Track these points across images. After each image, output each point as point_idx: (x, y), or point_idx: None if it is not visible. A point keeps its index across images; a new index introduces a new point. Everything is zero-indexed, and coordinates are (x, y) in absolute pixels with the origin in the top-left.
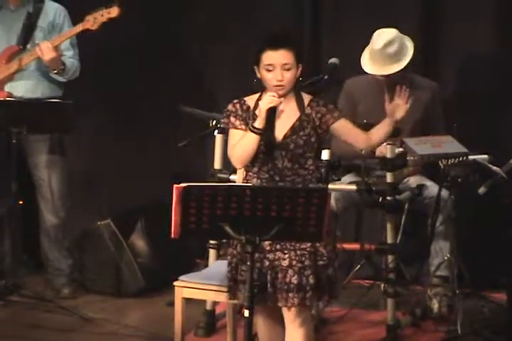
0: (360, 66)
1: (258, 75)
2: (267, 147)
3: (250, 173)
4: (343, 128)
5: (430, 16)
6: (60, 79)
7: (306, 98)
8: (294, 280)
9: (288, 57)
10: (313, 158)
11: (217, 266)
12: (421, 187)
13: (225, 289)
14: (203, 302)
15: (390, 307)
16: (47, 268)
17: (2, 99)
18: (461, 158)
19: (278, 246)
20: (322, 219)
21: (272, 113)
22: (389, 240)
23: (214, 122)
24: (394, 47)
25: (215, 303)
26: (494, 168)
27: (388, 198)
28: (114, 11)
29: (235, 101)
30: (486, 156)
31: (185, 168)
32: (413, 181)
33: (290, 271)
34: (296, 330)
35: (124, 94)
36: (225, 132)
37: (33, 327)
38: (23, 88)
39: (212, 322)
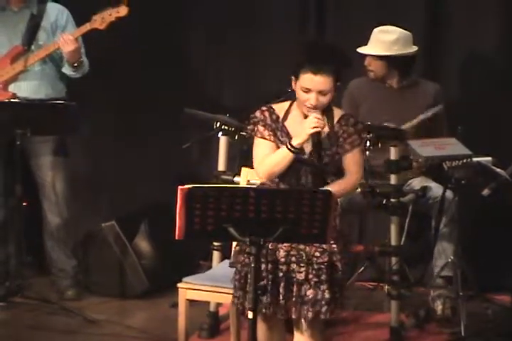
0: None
1: (293, 86)
2: (294, 163)
3: (268, 182)
4: (349, 157)
5: (434, 18)
6: (74, 74)
7: (337, 114)
8: (310, 293)
9: (327, 83)
10: (336, 174)
11: (221, 267)
12: (425, 189)
13: (229, 291)
14: (207, 303)
15: (394, 309)
16: (51, 269)
17: (6, 100)
18: (465, 160)
19: (293, 259)
20: (327, 220)
21: (316, 137)
22: (393, 242)
23: (218, 124)
24: (390, 36)
25: (218, 305)
26: (498, 170)
27: (392, 200)
28: (123, 10)
29: (264, 108)
30: (489, 158)
31: (189, 170)
32: (417, 183)
33: (306, 285)
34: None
35: (127, 95)
36: (229, 134)
37: (37, 329)
38: (26, 89)
39: (216, 323)
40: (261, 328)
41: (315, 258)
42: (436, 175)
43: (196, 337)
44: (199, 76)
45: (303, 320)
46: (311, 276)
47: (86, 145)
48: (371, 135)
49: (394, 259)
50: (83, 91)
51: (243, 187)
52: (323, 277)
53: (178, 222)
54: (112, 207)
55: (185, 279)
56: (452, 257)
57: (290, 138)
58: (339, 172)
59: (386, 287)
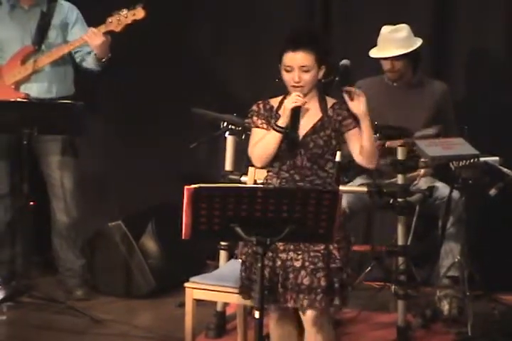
0: (372, 67)
1: (282, 74)
2: (288, 145)
3: (271, 173)
4: (353, 136)
5: (440, 17)
6: (95, 69)
7: (330, 101)
8: (306, 281)
9: (307, 59)
10: (333, 161)
11: (228, 267)
12: (432, 189)
13: (236, 290)
14: (214, 303)
15: (401, 309)
16: (58, 268)
17: (13, 99)
18: (472, 160)
19: (292, 247)
20: (333, 220)
21: (296, 112)
22: (400, 242)
23: (225, 124)
24: (401, 33)
25: (225, 305)
26: (505, 169)
27: (399, 200)
28: (139, 13)
29: (259, 102)
30: (497, 158)
31: (197, 170)
32: (424, 183)
33: (302, 272)
34: (314, 336)
35: (135, 95)
36: (236, 133)
37: (44, 329)
38: (37, 89)
39: (223, 323)
40: (271, 323)
41: (311, 246)
42: (443, 174)
43: (203, 336)
44: (206, 76)
45: (308, 314)
46: (307, 264)
47: (94, 145)
48: (378, 135)
49: (401, 259)
50: (92, 91)
51: (249, 186)
52: (320, 264)
53: (185, 221)
54: (119, 207)
55: (192, 279)
56: (459, 257)
57: None
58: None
59: (393, 287)
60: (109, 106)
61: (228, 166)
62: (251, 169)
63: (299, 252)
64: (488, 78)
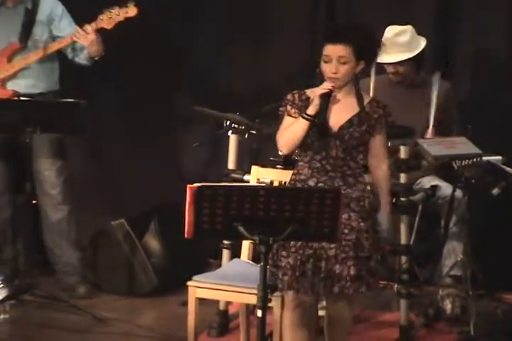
0: (376, 66)
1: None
2: (322, 135)
3: (301, 163)
4: (376, 140)
5: (444, 17)
6: (86, 64)
7: (367, 97)
8: (337, 269)
9: (345, 51)
10: (365, 154)
11: (230, 266)
12: (435, 188)
13: (239, 289)
14: (216, 302)
15: (403, 308)
16: (55, 267)
17: (16, 98)
18: (474, 159)
19: None
20: (336, 219)
21: (325, 100)
22: (402, 241)
23: (228, 122)
24: (404, 37)
25: (228, 303)
26: (508, 169)
27: (402, 199)
28: (132, 11)
29: (295, 92)
30: (499, 157)
31: (199, 169)
32: (427, 182)
33: (333, 260)
34: (339, 323)
35: (137, 93)
36: (239, 132)
37: (46, 327)
38: (25, 84)
39: (226, 322)
40: (285, 321)
41: (343, 235)
42: (446, 174)
43: (205, 335)
44: (209, 75)
45: (338, 300)
46: (338, 252)
47: (97, 144)
48: None
49: (403, 258)
50: (93, 90)
51: (252, 185)
52: (351, 253)
53: (188, 220)
54: (122, 206)
55: (194, 277)
56: (462, 256)
57: None
58: (368, 153)
59: (395, 286)
60: (111, 105)
61: (231, 165)
62: (254, 168)
63: None
64: (491, 78)
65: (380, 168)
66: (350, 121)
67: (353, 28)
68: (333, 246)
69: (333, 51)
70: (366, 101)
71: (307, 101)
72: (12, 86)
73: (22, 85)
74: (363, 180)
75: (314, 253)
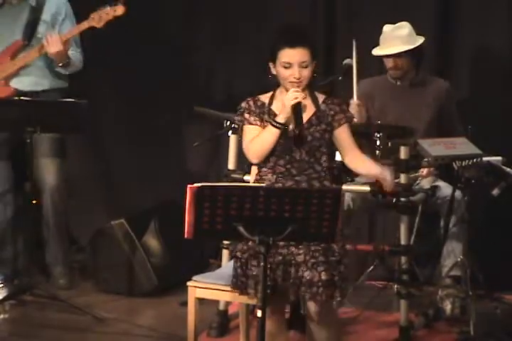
0: (375, 67)
1: (273, 72)
2: (286, 140)
3: (264, 169)
4: (341, 133)
5: (444, 16)
6: (63, 71)
7: (320, 96)
8: (307, 275)
9: (305, 55)
10: (327, 155)
11: (230, 266)
12: (434, 189)
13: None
14: (216, 302)
15: (403, 309)
16: (45, 259)
17: (16, 98)
18: (475, 160)
19: (293, 242)
20: (336, 219)
21: (298, 108)
22: (402, 241)
23: (228, 123)
24: (404, 30)
25: (228, 303)
26: (508, 169)
27: (402, 199)
28: (119, 10)
29: (248, 99)
30: (499, 158)
31: (199, 169)
32: (426, 182)
33: (303, 266)
34: (319, 331)
35: (137, 93)
36: (238, 132)
37: (46, 327)
38: (29, 82)
39: (225, 322)
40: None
41: None
42: (446, 174)
43: (205, 335)
44: (210, 74)
45: (312, 306)
46: (308, 258)
47: (97, 144)
48: (381, 134)
49: (403, 258)
50: (95, 90)
51: (252, 185)
52: (320, 258)
53: (188, 220)
54: (122, 205)
55: (194, 277)
56: (461, 257)
57: None
58: (330, 153)
59: (395, 286)
60: (111, 104)
61: (231, 165)
62: (254, 168)
63: (300, 246)
64: (491, 78)
65: (356, 158)
66: (309, 122)
67: (301, 29)
68: (301, 251)
69: (295, 56)
70: (321, 100)
71: (263, 107)
72: (16, 83)
73: (25, 83)
74: (328, 184)
75: (283, 259)
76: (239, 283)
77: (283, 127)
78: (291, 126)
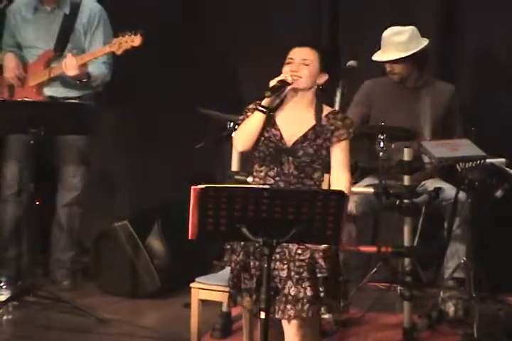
0: (379, 68)
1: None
2: (276, 150)
3: (257, 179)
4: (335, 150)
5: (447, 18)
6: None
7: (326, 109)
8: (292, 291)
9: (310, 54)
10: (322, 170)
11: None
12: (438, 190)
13: None
14: (220, 304)
15: (407, 311)
16: (50, 258)
17: (20, 99)
18: (478, 162)
19: (277, 256)
20: (340, 222)
21: (279, 89)
22: (406, 243)
23: (231, 124)
24: (402, 36)
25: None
26: (511, 171)
27: (405, 201)
28: (137, 41)
29: (258, 101)
30: (503, 160)
31: (203, 170)
32: (430, 184)
33: (289, 282)
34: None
35: (141, 95)
36: None
37: (49, 328)
38: (63, 90)
39: (229, 324)
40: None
41: (297, 255)
42: (450, 176)
43: (209, 337)
44: (214, 76)
45: (291, 325)
46: (293, 273)
47: (100, 145)
48: (385, 136)
49: (407, 260)
50: (98, 91)
51: (256, 187)
52: (305, 274)
53: (191, 221)
54: (126, 207)
55: (198, 279)
56: (465, 258)
57: (280, 133)
58: (325, 168)
59: (399, 288)
60: (114, 106)
61: (235, 166)
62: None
63: (285, 262)
64: (494, 80)
65: (338, 182)
66: (304, 136)
67: (317, 41)
68: (285, 266)
69: (299, 53)
70: (324, 113)
71: None
72: (48, 91)
73: (59, 91)
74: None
75: (271, 273)
76: (230, 295)
77: (265, 110)
78: (285, 137)
